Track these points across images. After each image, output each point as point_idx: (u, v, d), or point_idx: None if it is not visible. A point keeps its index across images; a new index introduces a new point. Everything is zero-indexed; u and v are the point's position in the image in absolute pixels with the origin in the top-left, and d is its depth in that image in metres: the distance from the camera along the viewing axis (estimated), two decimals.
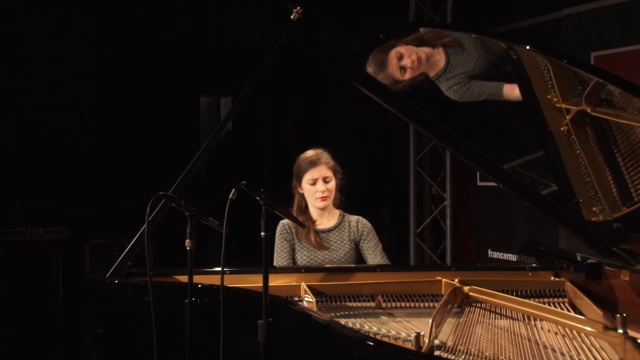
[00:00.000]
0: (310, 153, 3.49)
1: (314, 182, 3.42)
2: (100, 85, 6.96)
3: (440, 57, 3.02)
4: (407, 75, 3.02)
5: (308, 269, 3.17)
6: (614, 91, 2.48)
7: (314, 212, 3.51)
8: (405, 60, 3.00)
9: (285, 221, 3.48)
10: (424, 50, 3.02)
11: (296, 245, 3.47)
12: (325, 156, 3.47)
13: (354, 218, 3.53)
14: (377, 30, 3.21)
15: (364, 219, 3.54)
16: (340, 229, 3.49)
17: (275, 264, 3.44)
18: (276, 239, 3.47)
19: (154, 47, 7.08)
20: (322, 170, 3.43)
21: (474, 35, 2.97)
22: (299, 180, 3.47)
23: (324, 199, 3.43)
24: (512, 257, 5.81)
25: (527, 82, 2.75)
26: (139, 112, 7.07)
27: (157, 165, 6.43)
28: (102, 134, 6.98)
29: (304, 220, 3.45)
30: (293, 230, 3.48)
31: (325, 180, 3.43)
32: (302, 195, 3.49)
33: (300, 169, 3.46)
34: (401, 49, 3.03)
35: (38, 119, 6.64)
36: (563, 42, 5.29)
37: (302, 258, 3.46)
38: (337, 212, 3.53)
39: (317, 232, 3.47)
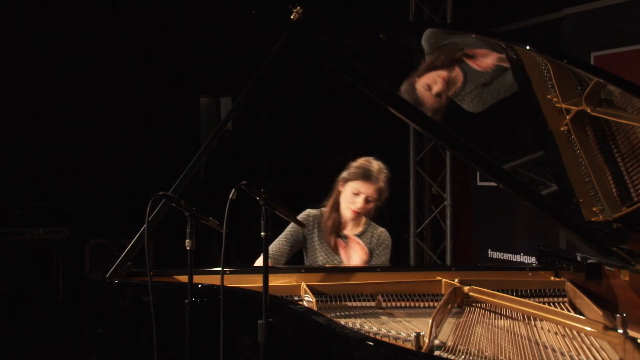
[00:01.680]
0: (373, 165, 3.37)
1: (357, 194, 3.34)
2: (100, 86, 6.96)
3: (457, 74, 3.00)
4: (444, 99, 3.00)
5: (308, 269, 3.17)
6: (614, 91, 2.48)
7: (345, 216, 3.42)
8: (436, 88, 2.97)
9: (313, 212, 3.43)
10: (442, 72, 3.00)
11: (316, 243, 3.42)
12: (382, 177, 3.36)
13: (378, 229, 3.47)
14: (377, 31, 3.20)
15: (386, 233, 3.48)
16: (363, 238, 3.43)
17: (273, 245, 3.37)
18: (291, 224, 3.39)
19: (154, 47, 7.08)
20: (371, 189, 3.33)
21: (474, 36, 2.96)
22: (346, 181, 3.38)
23: (355, 212, 3.36)
24: (513, 257, 5.81)
25: (527, 82, 2.75)
26: (139, 112, 7.07)
27: (157, 165, 6.43)
28: (102, 134, 6.98)
29: (335, 218, 3.39)
30: (317, 224, 3.41)
31: (368, 200, 3.35)
32: (339, 193, 3.42)
33: (352, 174, 3.35)
34: (424, 80, 3.00)
35: (38, 119, 6.64)
36: (563, 42, 5.29)
37: (320, 257, 3.40)
38: (364, 219, 3.46)
39: (339, 236, 3.42)
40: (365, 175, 3.34)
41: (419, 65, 3.05)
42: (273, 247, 3.38)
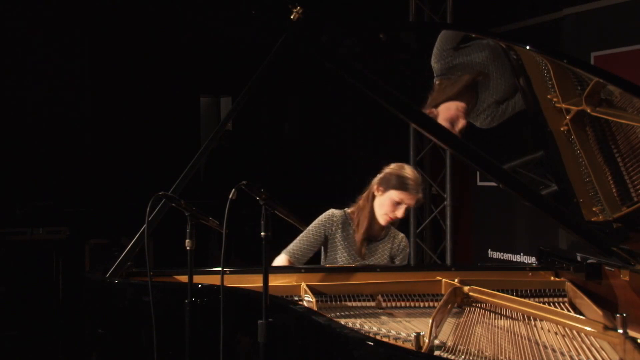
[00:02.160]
0: (414, 176, 3.35)
1: (400, 202, 3.31)
2: (100, 85, 6.96)
3: (472, 99, 2.98)
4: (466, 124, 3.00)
5: (308, 269, 3.17)
6: (614, 91, 2.48)
7: (380, 220, 3.40)
8: (459, 125, 2.94)
9: (337, 212, 3.43)
10: (460, 107, 2.98)
11: (339, 243, 3.40)
12: (421, 189, 3.37)
13: (399, 235, 3.50)
14: (377, 31, 3.20)
15: (406, 240, 3.52)
16: (384, 242, 3.46)
17: (294, 244, 3.39)
18: (314, 222, 3.39)
19: (154, 47, 7.07)
20: (412, 201, 3.33)
21: (488, 51, 2.91)
22: (386, 188, 3.34)
23: (391, 220, 3.36)
24: (513, 257, 5.81)
25: (527, 82, 2.75)
26: (139, 112, 7.07)
27: (157, 165, 6.42)
28: (102, 134, 6.98)
29: (364, 217, 3.37)
30: (340, 225, 3.40)
31: (408, 209, 3.36)
32: (374, 197, 3.39)
33: (395, 182, 3.32)
34: (445, 116, 2.94)
35: (38, 119, 6.64)
36: (563, 42, 5.29)
37: (340, 257, 3.39)
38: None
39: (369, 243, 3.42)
40: (407, 185, 3.31)
41: (431, 92, 3.01)
42: (294, 247, 3.39)
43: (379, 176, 3.40)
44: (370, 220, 3.39)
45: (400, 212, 3.33)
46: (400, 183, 3.32)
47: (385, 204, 3.34)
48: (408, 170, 3.38)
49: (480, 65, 2.91)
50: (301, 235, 3.41)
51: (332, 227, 3.41)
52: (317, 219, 3.42)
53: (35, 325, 5.58)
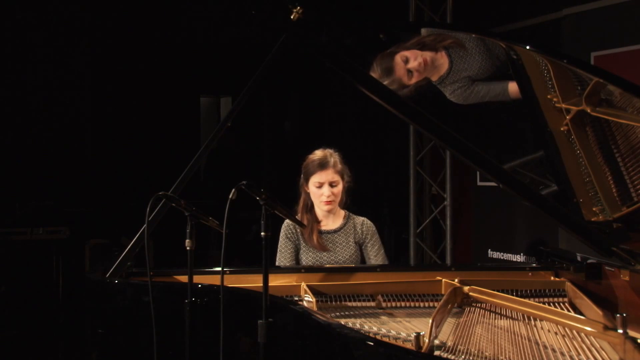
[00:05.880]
0: (319, 154, 3.45)
1: (320, 186, 3.40)
2: (101, 85, 6.96)
3: (443, 61, 3.02)
4: (414, 79, 3.03)
5: (308, 269, 3.17)
6: (614, 91, 2.48)
7: (319, 212, 3.49)
8: (411, 63, 3.00)
9: (289, 221, 3.47)
10: (427, 54, 3.02)
11: (301, 246, 3.46)
12: (334, 159, 3.42)
13: (359, 220, 3.51)
14: (377, 30, 3.20)
15: (368, 221, 3.52)
16: (346, 230, 3.48)
17: (277, 264, 3.44)
18: (280, 239, 3.46)
19: (154, 47, 7.07)
20: (330, 175, 3.39)
21: (474, 35, 2.97)
22: (307, 180, 3.45)
23: (328, 203, 3.41)
24: (513, 257, 5.81)
25: (527, 82, 2.75)
26: (139, 112, 7.07)
27: (157, 165, 6.43)
28: (102, 134, 6.98)
29: (308, 219, 3.44)
30: (297, 230, 3.46)
31: (332, 185, 3.40)
32: (309, 195, 3.48)
33: (308, 170, 3.43)
34: (406, 53, 3.02)
35: (38, 119, 6.64)
36: (563, 42, 5.29)
37: (306, 259, 3.44)
38: (343, 212, 3.51)
39: (322, 233, 3.46)
40: (317, 165, 3.41)
41: (409, 39, 3.07)
42: (279, 263, 3.45)
43: (301, 175, 3.49)
44: (308, 215, 3.48)
45: (326, 192, 3.39)
46: (312, 167, 3.42)
47: (314, 193, 3.43)
48: (315, 153, 3.47)
49: (462, 37, 2.97)
50: (277, 256, 3.48)
51: (294, 235, 3.46)
52: (280, 237, 3.47)
53: (35, 325, 5.59)
